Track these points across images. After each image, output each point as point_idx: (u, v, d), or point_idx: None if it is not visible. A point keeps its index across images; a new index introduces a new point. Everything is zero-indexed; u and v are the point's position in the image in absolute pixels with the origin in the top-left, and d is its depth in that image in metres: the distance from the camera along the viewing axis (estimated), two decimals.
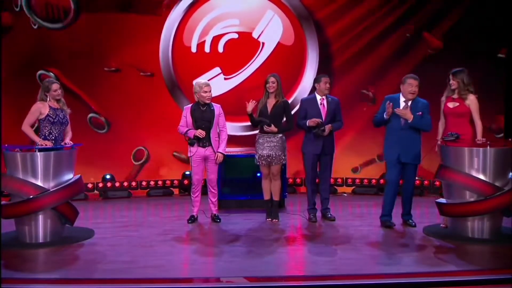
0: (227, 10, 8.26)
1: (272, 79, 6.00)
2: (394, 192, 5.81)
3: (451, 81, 5.60)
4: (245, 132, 8.02)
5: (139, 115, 8.00)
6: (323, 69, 8.08)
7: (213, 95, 6.08)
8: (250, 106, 5.89)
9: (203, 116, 5.96)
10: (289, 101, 7.77)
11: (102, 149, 7.81)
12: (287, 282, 4.39)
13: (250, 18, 8.24)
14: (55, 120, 5.52)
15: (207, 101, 5.96)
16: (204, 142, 5.97)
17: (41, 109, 5.52)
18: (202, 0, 8.17)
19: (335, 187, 8.03)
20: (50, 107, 5.53)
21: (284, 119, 6.12)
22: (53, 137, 5.52)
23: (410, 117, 5.59)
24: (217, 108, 6.04)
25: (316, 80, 6.15)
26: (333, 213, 6.27)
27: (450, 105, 5.60)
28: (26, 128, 5.51)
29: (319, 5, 8.26)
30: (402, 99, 5.73)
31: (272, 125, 5.94)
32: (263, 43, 8.23)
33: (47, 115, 5.50)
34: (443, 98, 5.71)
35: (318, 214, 6.25)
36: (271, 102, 6.03)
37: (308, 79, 8.20)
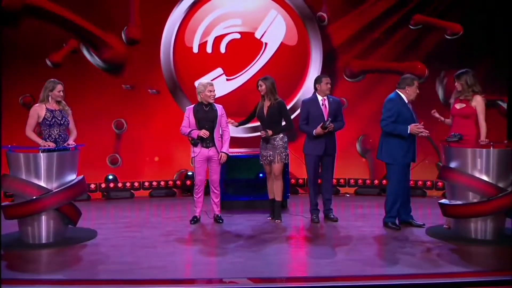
0: (229, 10, 8.19)
1: (259, 82, 6.10)
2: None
3: (456, 84, 5.62)
4: (248, 134, 7.95)
5: (141, 117, 8.00)
6: (326, 69, 8.02)
7: (215, 96, 6.09)
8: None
9: (206, 116, 5.98)
10: (293, 102, 7.89)
11: (105, 149, 7.85)
12: (290, 283, 4.39)
13: (252, 18, 8.19)
14: (51, 122, 5.50)
15: (211, 101, 5.99)
16: (208, 142, 5.99)
17: (38, 111, 5.51)
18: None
19: (338, 187, 8.02)
20: (47, 109, 5.51)
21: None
22: (53, 139, 5.51)
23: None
24: (219, 108, 6.06)
25: (317, 81, 6.16)
26: (335, 213, 6.27)
27: (457, 106, 5.62)
28: (29, 133, 5.50)
29: (322, 5, 8.17)
30: (406, 99, 5.74)
31: (264, 131, 5.99)
32: (266, 44, 8.17)
33: (44, 118, 5.49)
34: (452, 100, 5.73)
35: (321, 215, 6.25)
36: (266, 105, 6.09)
37: (312, 80, 7.87)
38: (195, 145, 5.99)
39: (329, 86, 6.09)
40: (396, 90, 5.77)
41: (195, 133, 5.95)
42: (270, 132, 5.99)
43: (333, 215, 6.22)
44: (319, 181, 6.24)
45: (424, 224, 5.86)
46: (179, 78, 8.13)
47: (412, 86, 5.70)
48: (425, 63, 7.89)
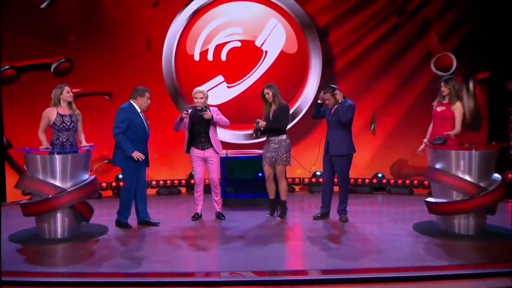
0: (230, 18, 8.29)
1: (265, 90, 6.24)
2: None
3: (443, 88, 5.85)
4: (247, 141, 8.10)
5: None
6: (326, 77, 8.15)
7: (215, 103, 6.21)
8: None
9: (201, 120, 6.10)
10: (292, 110, 7.91)
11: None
12: (290, 276, 4.53)
13: (253, 26, 8.27)
14: (60, 127, 5.65)
15: (198, 108, 6.09)
16: (203, 144, 6.14)
17: (49, 115, 5.65)
18: (205, 8, 8.19)
19: None
20: (58, 113, 5.66)
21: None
22: (60, 143, 5.66)
23: None
24: (213, 110, 6.18)
25: None
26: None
27: (438, 109, 5.89)
28: (40, 134, 5.70)
29: (322, 13, 8.27)
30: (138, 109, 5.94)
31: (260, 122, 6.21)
32: (266, 52, 8.28)
33: (54, 122, 5.64)
34: (435, 103, 5.99)
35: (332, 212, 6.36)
36: (272, 109, 6.28)
37: (311, 87, 8.24)
38: (181, 120, 6.07)
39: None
40: (130, 100, 5.91)
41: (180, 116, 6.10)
42: (262, 123, 6.18)
43: (343, 216, 6.25)
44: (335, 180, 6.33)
45: (158, 223, 6.05)
46: (180, 86, 8.21)
47: (143, 97, 5.89)
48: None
